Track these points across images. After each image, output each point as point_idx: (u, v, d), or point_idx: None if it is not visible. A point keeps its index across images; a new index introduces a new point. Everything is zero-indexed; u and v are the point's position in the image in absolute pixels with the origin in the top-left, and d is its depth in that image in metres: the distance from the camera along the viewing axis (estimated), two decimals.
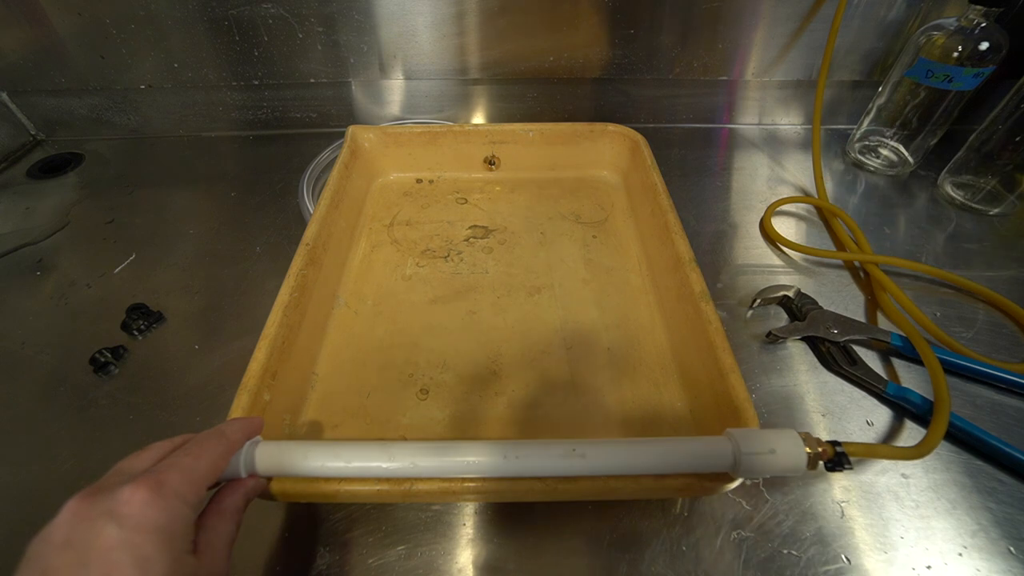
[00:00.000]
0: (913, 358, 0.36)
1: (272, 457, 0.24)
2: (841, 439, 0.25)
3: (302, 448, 0.24)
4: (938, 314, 0.40)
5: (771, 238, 0.47)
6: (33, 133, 0.59)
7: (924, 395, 0.33)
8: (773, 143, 0.60)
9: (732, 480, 0.24)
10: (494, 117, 0.62)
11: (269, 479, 0.24)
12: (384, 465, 0.23)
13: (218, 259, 0.45)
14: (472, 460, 0.24)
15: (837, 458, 0.24)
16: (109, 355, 0.36)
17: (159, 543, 0.17)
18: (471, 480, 0.24)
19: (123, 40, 0.53)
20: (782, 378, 0.36)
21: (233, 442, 0.22)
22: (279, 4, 0.52)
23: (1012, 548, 0.28)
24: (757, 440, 0.23)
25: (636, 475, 0.24)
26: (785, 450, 0.23)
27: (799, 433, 0.24)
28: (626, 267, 0.42)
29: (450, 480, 0.24)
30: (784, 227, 0.48)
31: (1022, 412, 0.34)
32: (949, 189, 0.52)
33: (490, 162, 0.51)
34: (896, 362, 0.37)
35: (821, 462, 0.24)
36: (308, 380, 0.33)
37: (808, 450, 0.23)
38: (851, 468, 0.25)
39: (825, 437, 0.32)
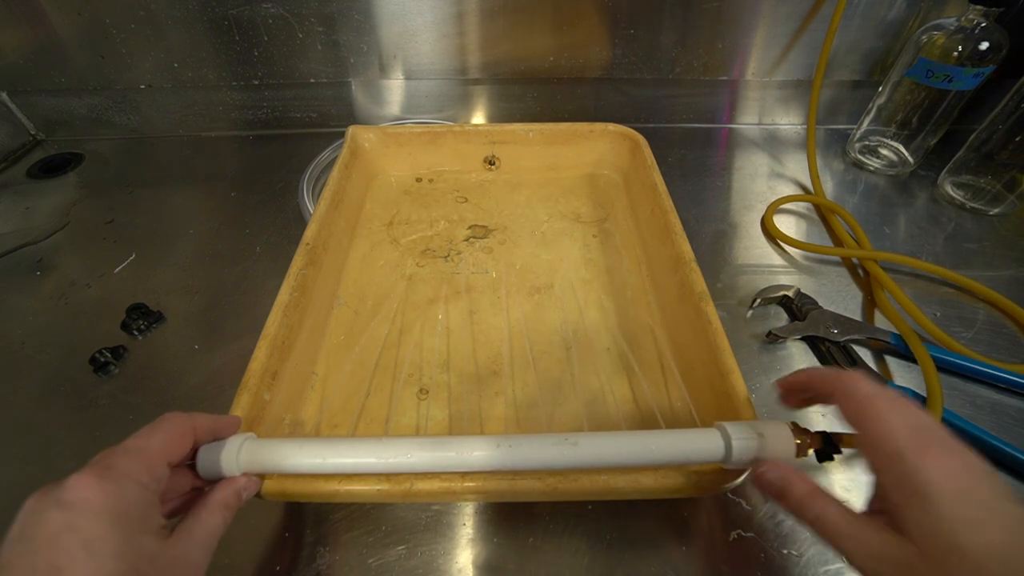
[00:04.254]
0: (912, 357, 0.36)
1: (265, 453, 0.23)
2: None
3: (296, 444, 0.24)
4: (938, 314, 0.40)
5: (772, 236, 0.47)
6: (33, 133, 0.59)
7: (923, 394, 0.33)
8: (773, 143, 0.60)
9: (731, 479, 0.24)
10: (494, 117, 0.62)
11: (263, 477, 0.24)
12: (377, 459, 0.23)
13: (218, 259, 0.45)
14: (465, 451, 0.24)
15: (826, 447, 0.24)
16: (109, 355, 0.36)
17: (106, 524, 0.17)
18: (471, 479, 0.24)
19: (123, 40, 0.53)
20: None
21: (194, 418, 0.22)
22: (279, 4, 0.52)
23: None
24: (746, 431, 0.23)
25: (635, 475, 0.24)
26: (774, 439, 0.23)
27: (788, 423, 0.24)
28: (626, 267, 0.42)
29: (450, 479, 0.24)
30: (785, 226, 0.48)
31: (1022, 412, 0.34)
32: (949, 189, 0.52)
33: (490, 162, 0.51)
34: (896, 362, 0.37)
35: (811, 450, 0.24)
36: (308, 380, 0.33)
37: (797, 440, 0.23)
38: (841, 454, 0.25)
39: None
